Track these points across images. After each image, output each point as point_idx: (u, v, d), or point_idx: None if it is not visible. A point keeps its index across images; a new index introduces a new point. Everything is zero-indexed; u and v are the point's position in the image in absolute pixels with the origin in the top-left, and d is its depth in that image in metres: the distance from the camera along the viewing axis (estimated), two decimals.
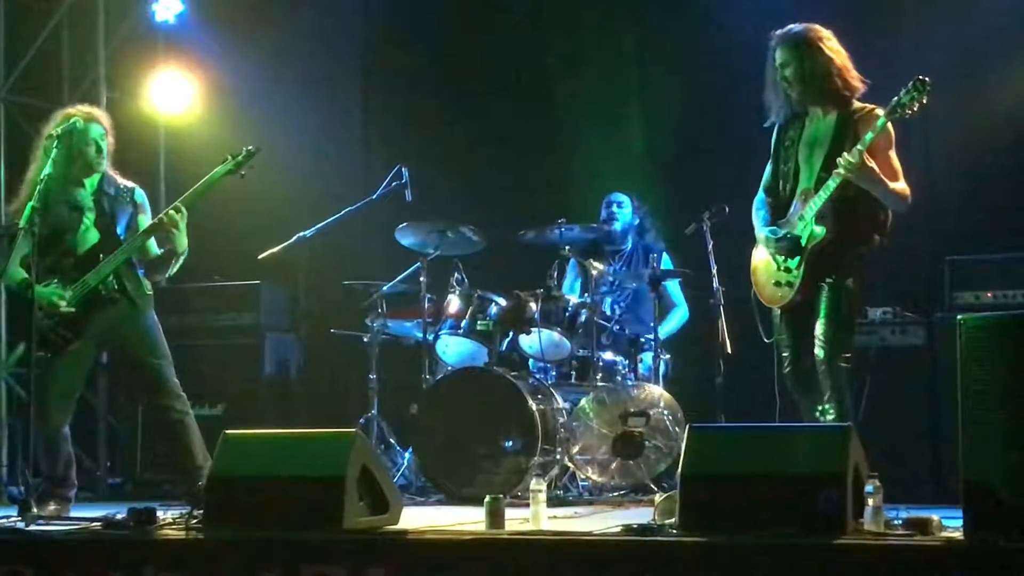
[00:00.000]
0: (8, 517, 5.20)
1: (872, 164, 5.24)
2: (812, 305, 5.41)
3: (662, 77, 8.35)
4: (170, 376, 6.00)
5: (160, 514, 4.83)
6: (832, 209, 5.35)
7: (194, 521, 4.63)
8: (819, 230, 5.37)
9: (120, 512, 4.94)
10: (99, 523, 4.83)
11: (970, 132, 7.46)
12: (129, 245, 5.95)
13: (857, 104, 5.47)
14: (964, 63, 7.45)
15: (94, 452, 8.33)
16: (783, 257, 5.50)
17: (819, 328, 5.36)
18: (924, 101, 5.21)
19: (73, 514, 5.50)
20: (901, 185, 5.35)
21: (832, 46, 5.46)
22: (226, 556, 4.38)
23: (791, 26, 5.54)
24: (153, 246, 6.05)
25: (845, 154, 5.26)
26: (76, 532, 4.77)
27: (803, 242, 5.41)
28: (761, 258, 5.64)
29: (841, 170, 5.25)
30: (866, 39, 5.41)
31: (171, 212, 5.88)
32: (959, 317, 4.10)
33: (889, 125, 5.32)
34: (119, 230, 6.00)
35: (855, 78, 5.47)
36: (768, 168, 5.70)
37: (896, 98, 5.25)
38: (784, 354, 5.57)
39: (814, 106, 5.51)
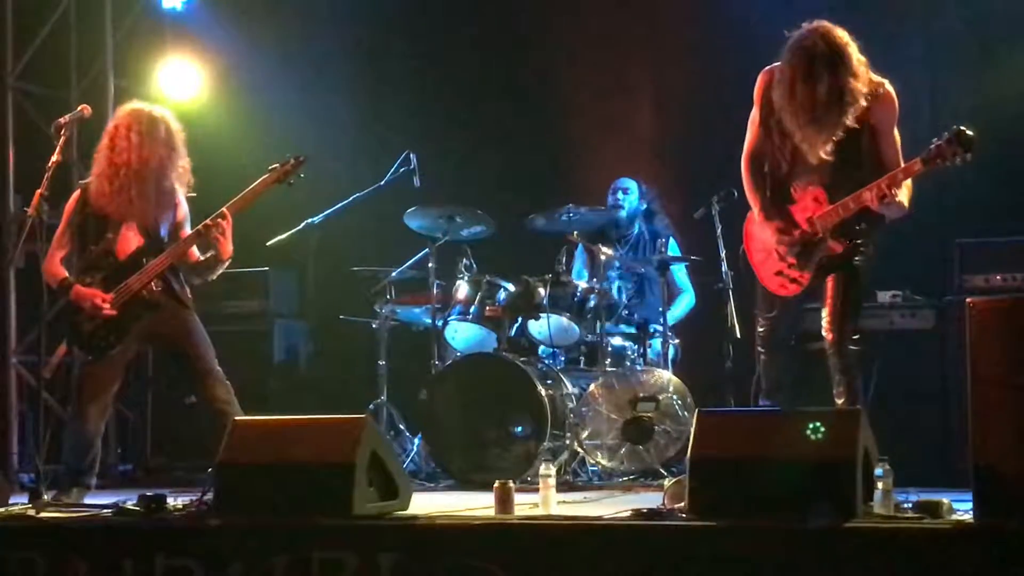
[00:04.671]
0: (20, 504, 5.23)
1: (898, 197, 4.97)
2: (814, 290, 5.31)
3: (671, 61, 8.32)
4: (216, 364, 5.92)
5: (170, 501, 4.85)
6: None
7: (204, 508, 4.65)
8: (837, 247, 5.18)
9: (130, 499, 4.96)
10: (110, 510, 4.84)
11: (981, 113, 7.40)
12: (173, 251, 5.86)
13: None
14: (975, 42, 7.41)
15: (104, 439, 8.23)
16: (790, 256, 5.30)
17: (826, 312, 5.25)
18: (968, 158, 4.83)
19: (84, 501, 5.52)
20: (907, 199, 5.09)
21: (859, 58, 5.02)
22: (236, 542, 4.39)
23: (823, 31, 5.00)
24: (195, 249, 5.96)
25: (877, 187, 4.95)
26: (87, 519, 4.79)
27: (817, 247, 5.22)
28: (761, 236, 5.40)
29: (864, 200, 5.02)
30: (872, 19, 5.34)
31: (217, 219, 5.81)
32: (968, 300, 4.10)
33: (896, 102, 5.12)
34: (163, 232, 5.92)
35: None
36: (759, 134, 5.32)
37: (934, 146, 4.89)
38: (763, 321, 5.48)
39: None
